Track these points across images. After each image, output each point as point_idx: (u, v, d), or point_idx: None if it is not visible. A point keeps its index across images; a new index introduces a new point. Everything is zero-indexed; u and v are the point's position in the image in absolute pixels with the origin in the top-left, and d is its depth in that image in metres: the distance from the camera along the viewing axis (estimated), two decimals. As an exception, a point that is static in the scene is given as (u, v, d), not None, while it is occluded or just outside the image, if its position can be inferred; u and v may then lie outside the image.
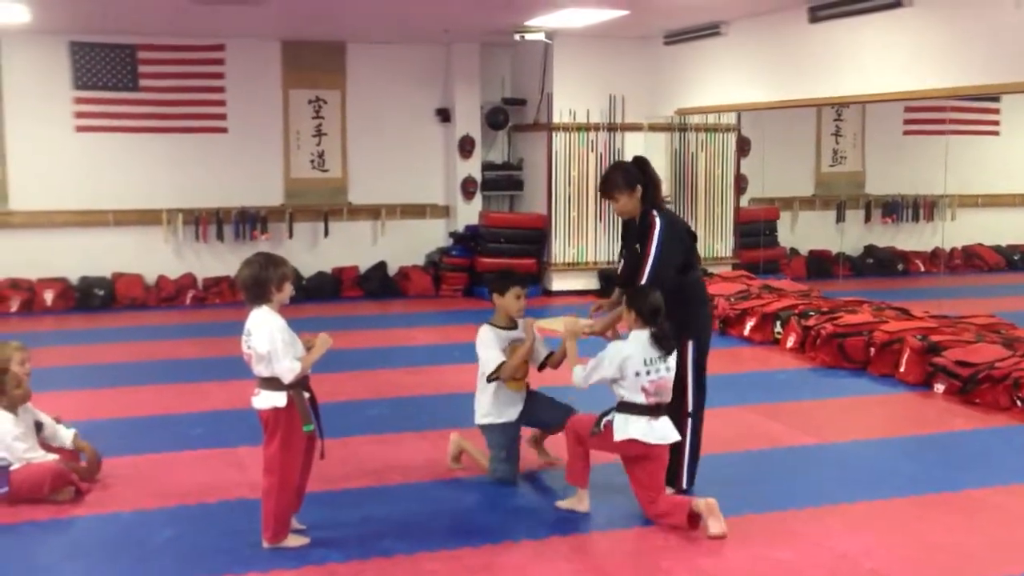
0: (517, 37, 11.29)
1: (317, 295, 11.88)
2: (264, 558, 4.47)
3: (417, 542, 4.63)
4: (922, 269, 14.23)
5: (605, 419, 4.93)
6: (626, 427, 4.84)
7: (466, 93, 12.59)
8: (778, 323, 9.29)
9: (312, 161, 12.43)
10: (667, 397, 4.91)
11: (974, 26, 7.90)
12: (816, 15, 9.41)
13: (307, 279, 12.01)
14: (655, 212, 5.17)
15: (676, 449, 5.22)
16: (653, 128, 12.43)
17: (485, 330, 5.51)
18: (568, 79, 12.14)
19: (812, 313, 9.06)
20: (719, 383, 7.28)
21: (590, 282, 12.39)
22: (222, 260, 11.98)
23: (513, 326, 5.55)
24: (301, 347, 4.51)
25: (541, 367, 5.55)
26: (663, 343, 4.85)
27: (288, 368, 4.40)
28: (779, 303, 9.61)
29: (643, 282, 5.06)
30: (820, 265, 13.77)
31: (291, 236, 12.16)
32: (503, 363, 5.38)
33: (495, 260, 12.10)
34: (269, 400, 4.46)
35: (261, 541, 4.57)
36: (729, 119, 12.63)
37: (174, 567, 4.39)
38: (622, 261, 5.44)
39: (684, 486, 5.31)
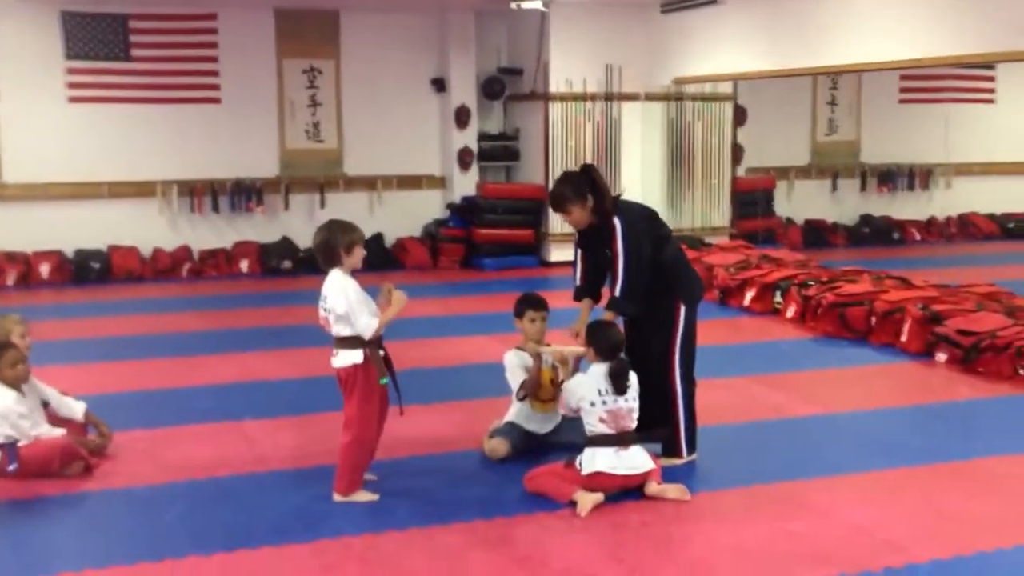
0: (513, 5, 11.21)
1: (314, 267, 11.77)
2: (278, 533, 4.46)
3: (430, 515, 4.63)
4: (918, 238, 14.26)
5: (577, 459, 4.83)
6: (593, 460, 4.77)
7: (462, 62, 12.50)
8: (778, 293, 9.29)
9: (307, 131, 12.35)
10: (629, 425, 4.85)
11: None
12: (816, -17, 9.38)
13: (303, 251, 11.90)
14: (614, 217, 5.16)
15: (671, 420, 5.25)
16: (650, 98, 12.38)
17: (508, 356, 5.54)
18: (565, 48, 12.05)
19: (812, 283, 9.06)
20: (720, 353, 7.33)
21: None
22: (217, 232, 11.95)
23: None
24: (374, 306, 4.71)
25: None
26: (617, 381, 4.83)
27: (366, 324, 4.62)
28: (778, 273, 9.60)
29: (617, 293, 5.09)
30: (816, 235, 13.79)
31: (287, 208, 12.10)
32: (525, 380, 5.42)
33: (492, 231, 12.09)
34: (349, 358, 4.69)
35: (332, 494, 4.78)
36: (726, 88, 12.57)
37: (189, 542, 4.36)
38: (579, 268, 5.42)
39: (685, 455, 5.32)
